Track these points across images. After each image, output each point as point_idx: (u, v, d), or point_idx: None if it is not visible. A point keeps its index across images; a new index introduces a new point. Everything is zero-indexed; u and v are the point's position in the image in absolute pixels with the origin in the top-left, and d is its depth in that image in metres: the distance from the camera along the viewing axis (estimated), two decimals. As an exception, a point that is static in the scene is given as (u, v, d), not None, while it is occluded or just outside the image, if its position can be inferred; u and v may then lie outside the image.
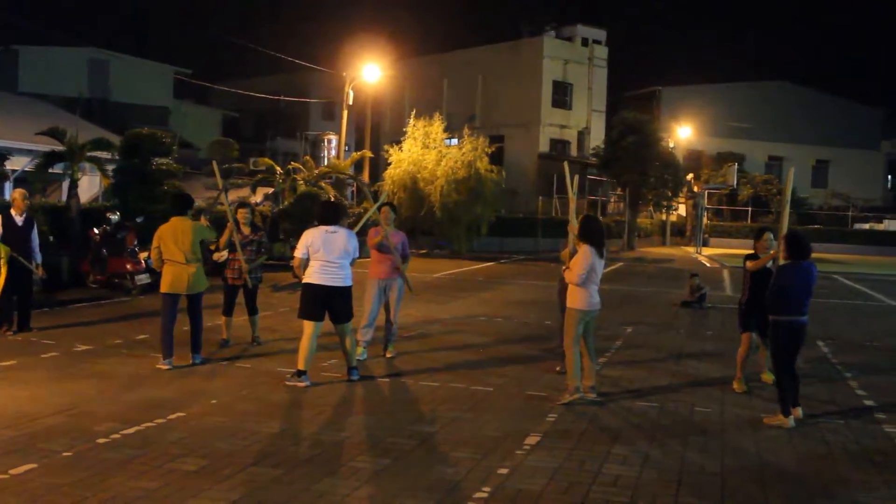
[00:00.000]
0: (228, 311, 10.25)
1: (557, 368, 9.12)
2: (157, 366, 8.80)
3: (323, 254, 8.23)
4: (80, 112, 23.86)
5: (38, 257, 10.85)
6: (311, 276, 8.29)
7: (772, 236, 8.79)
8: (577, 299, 7.99)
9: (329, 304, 8.33)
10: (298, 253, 8.36)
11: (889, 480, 6.06)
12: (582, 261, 7.91)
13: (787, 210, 8.85)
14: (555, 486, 5.63)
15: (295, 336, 11.12)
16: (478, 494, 5.40)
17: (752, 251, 8.98)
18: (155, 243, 8.95)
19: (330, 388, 8.25)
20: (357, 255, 8.55)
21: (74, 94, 34.17)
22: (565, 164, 10.01)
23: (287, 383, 8.23)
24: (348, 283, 8.44)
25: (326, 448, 6.28)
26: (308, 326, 8.30)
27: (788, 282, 7.50)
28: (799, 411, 7.53)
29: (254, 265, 10.29)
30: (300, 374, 8.26)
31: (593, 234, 8.09)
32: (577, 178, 9.35)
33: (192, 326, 9.15)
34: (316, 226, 8.46)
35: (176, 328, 9.01)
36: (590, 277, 7.94)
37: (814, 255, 7.71)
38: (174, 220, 9.00)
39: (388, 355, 9.95)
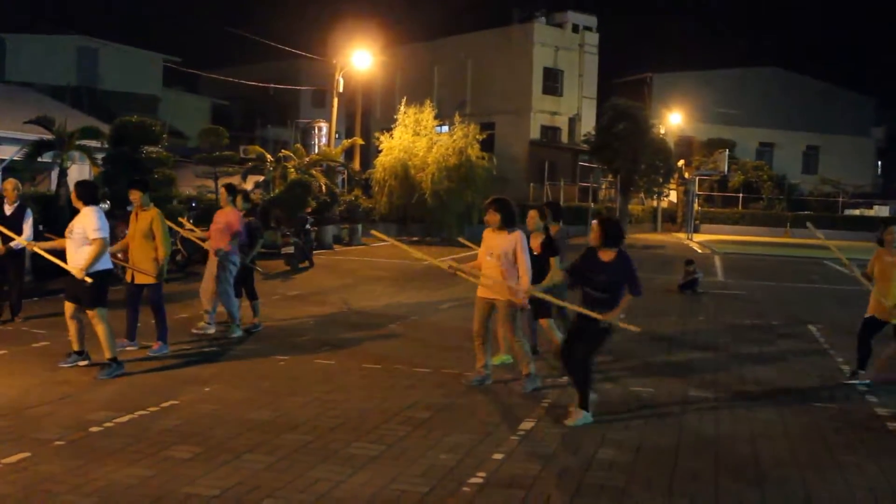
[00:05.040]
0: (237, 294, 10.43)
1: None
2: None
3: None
4: (69, 100, 23.76)
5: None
6: (107, 262, 8.05)
7: (537, 214, 8.65)
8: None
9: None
10: (104, 233, 7.86)
11: (878, 461, 6.09)
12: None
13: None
14: (549, 471, 5.64)
15: (288, 324, 11.13)
16: (472, 480, 5.40)
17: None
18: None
19: (323, 375, 8.23)
20: (103, 234, 7.91)
21: (63, 82, 33.98)
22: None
23: (100, 377, 7.77)
24: None
25: (321, 435, 6.27)
26: (103, 312, 7.91)
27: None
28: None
29: (253, 253, 10.68)
30: (117, 362, 7.96)
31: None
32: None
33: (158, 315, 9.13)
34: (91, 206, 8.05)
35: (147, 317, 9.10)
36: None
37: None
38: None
39: (194, 329, 10.16)
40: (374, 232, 9.69)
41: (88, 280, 7.71)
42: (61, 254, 8.07)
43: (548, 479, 5.49)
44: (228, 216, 10.20)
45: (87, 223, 7.83)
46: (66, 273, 7.88)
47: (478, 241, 8.20)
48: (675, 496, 5.28)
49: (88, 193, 8.07)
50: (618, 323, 7.00)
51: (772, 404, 7.69)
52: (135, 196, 8.93)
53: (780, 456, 6.18)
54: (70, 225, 8.00)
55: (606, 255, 6.97)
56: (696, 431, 6.74)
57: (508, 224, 7.71)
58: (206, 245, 10.45)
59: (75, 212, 8.08)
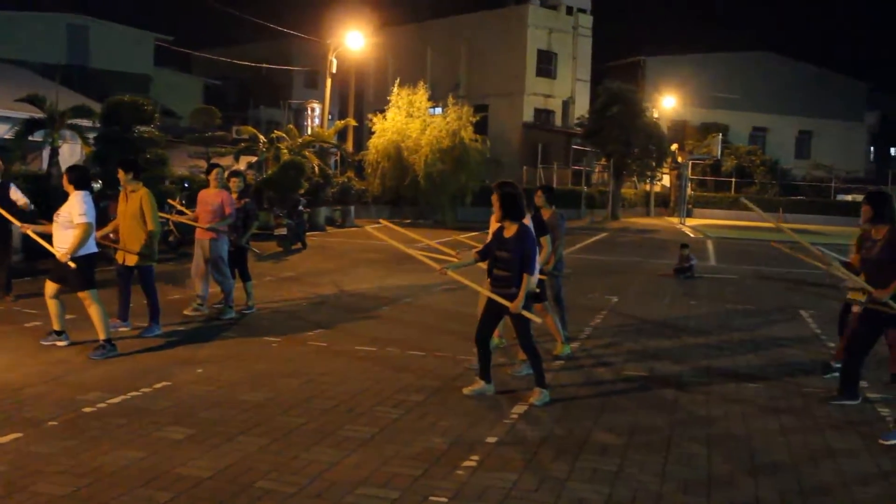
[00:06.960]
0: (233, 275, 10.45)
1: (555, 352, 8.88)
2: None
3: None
4: (60, 79, 23.51)
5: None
6: (92, 245, 8.03)
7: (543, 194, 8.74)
8: None
9: None
10: (89, 218, 7.86)
11: (869, 446, 6.12)
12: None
13: None
14: (542, 454, 5.65)
15: (280, 306, 11.12)
16: (466, 463, 5.40)
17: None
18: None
19: (316, 358, 8.23)
20: (87, 219, 7.91)
21: (53, 60, 33.65)
22: None
23: (92, 357, 7.74)
24: None
25: (314, 417, 6.27)
26: (94, 293, 7.91)
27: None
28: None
29: (246, 235, 10.66)
30: (110, 343, 7.92)
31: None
32: None
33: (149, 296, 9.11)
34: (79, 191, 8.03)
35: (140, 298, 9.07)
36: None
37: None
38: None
39: (186, 311, 10.10)
40: (382, 220, 9.71)
41: (72, 264, 7.71)
42: (52, 238, 8.06)
43: (541, 462, 5.50)
44: (220, 197, 10.13)
45: (74, 207, 7.83)
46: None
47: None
48: (668, 479, 5.30)
49: (80, 178, 8.07)
50: (520, 311, 6.75)
51: (764, 389, 7.71)
52: (120, 175, 8.88)
53: (771, 440, 6.20)
54: (59, 209, 7.99)
55: (509, 231, 6.87)
56: (689, 415, 6.76)
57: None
58: (197, 225, 10.37)
59: (66, 192, 8.04)
